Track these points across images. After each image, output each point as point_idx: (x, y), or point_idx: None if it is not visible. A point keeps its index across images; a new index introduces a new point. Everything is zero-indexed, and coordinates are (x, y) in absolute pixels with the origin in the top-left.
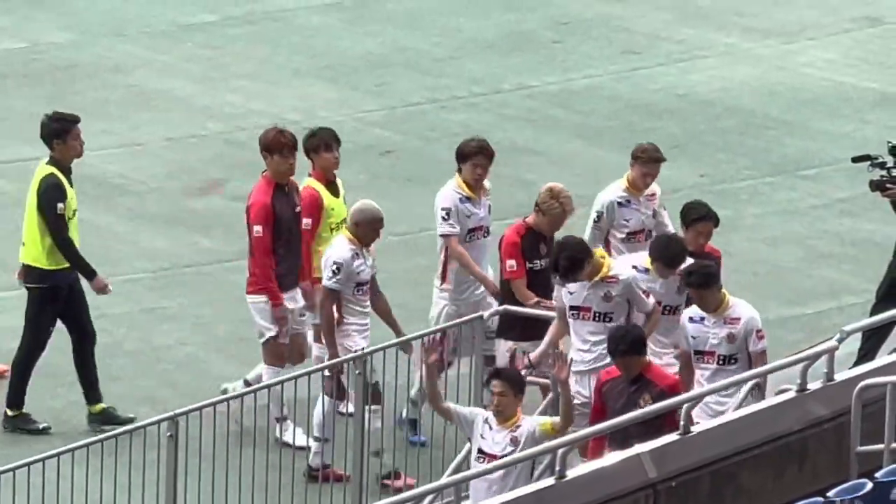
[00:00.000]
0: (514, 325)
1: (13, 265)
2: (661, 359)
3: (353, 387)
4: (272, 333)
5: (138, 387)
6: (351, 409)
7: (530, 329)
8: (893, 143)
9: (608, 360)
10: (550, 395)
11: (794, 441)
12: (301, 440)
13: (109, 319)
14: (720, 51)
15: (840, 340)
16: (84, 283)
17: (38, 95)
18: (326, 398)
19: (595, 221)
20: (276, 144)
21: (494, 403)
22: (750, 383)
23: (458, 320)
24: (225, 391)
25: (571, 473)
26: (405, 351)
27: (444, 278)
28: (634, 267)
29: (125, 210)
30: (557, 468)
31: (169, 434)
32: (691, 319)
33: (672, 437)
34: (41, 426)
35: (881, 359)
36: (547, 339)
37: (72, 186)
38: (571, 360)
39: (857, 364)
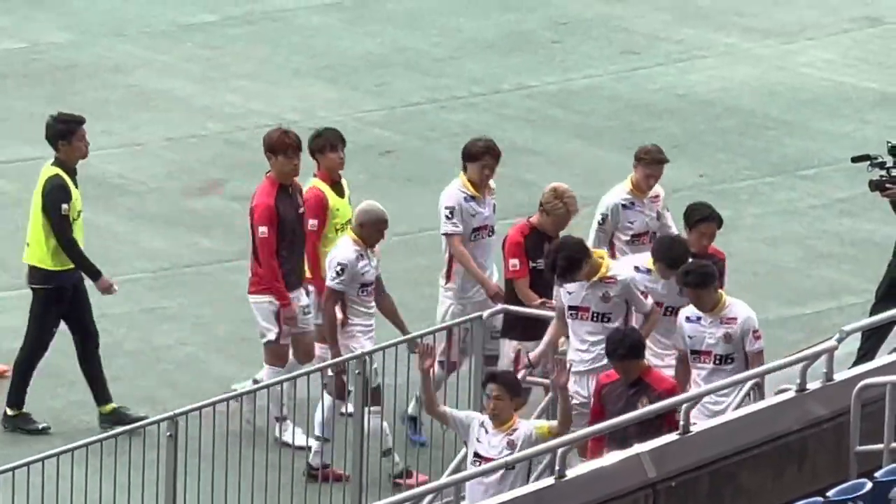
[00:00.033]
0: (516, 325)
1: (13, 265)
2: (663, 360)
3: (352, 386)
4: (273, 335)
5: (138, 387)
6: (350, 409)
7: (533, 329)
8: (893, 143)
9: (606, 360)
10: (550, 394)
11: (793, 441)
12: (300, 440)
13: (109, 319)
14: (720, 51)
15: (839, 340)
16: (88, 283)
17: (38, 95)
18: (329, 398)
19: (599, 224)
20: (281, 145)
21: (490, 407)
22: (750, 383)
23: (457, 320)
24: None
25: (571, 473)
26: (414, 351)
27: (449, 277)
28: (636, 267)
29: (125, 210)
30: (557, 468)
31: (169, 434)
32: (688, 319)
33: (671, 436)
34: (41, 426)
35: (880, 359)
36: (546, 338)
37: (77, 187)
38: (571, 362)
39: (856, 364)
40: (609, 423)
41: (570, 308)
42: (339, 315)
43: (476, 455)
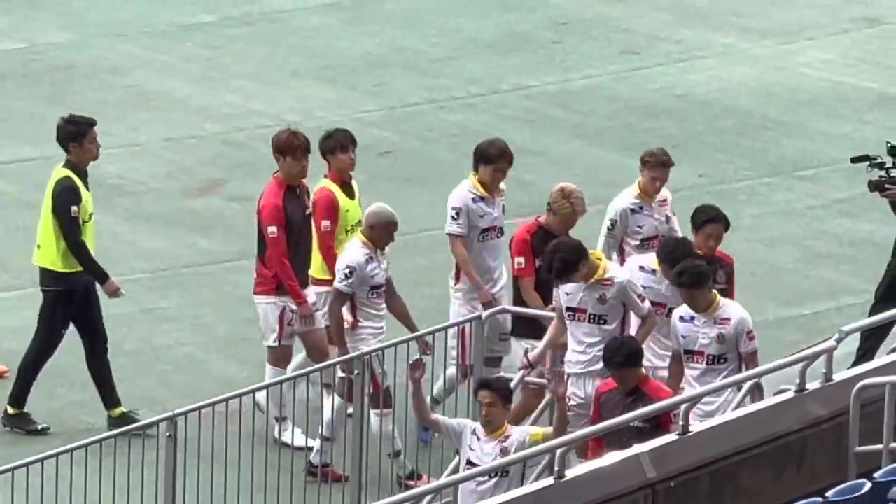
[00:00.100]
0: (525, 323)
1: (13, 265)
2: (665, 360)
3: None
4: (273, 339)
5: (137, 387)
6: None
7: (542, 327)
8: (892, 144)
9: (602, 363)
10: (547, 398)
11: (792, 441)
12: (300, 440)
13: (109, 320)
14: (718, 51)
15: (839, 341)
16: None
17: (37, 96)
18: (338, 399)
19: (609, 229)
20: (289, 146)
21: (483, 414)
22: (749, 383)
23: (457, 320)
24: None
25: (570, 473)
26: (425, 354)
27: (457, 278)
28: (641, 267)
29: (124, 210)
30: (556, 468)
31: (168, 434)
32: (682, 319)
33: (671, 437)
34: (40, 426)
35: (880, 359)
36: (546, 338)
37: (88, 189)
38: (568, 363)
39: (855, 364)
40: (607, 423)
41: (568, 309)
42: (349, 317)
43: (469, 463)
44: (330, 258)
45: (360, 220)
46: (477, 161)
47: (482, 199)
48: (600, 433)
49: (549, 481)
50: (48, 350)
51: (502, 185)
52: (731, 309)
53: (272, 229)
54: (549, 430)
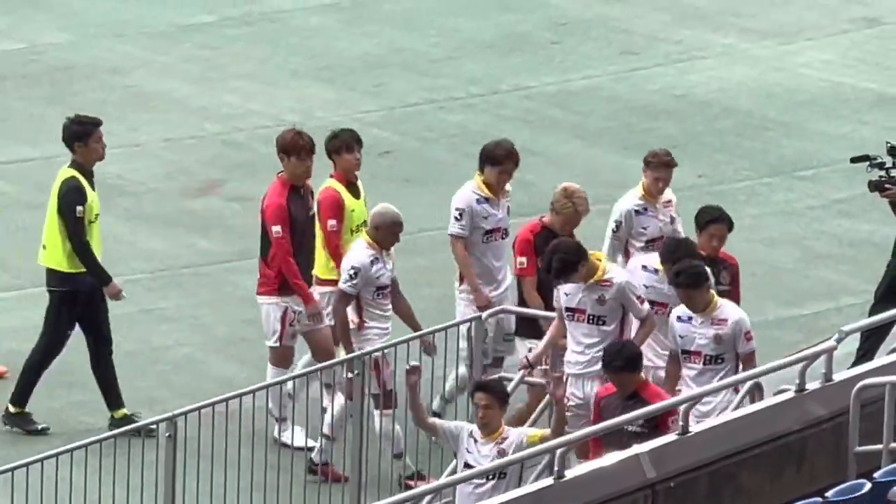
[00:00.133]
0: (524, 324)
1: (13, 265)
2: (665, 360)
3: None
4: (275, 340)
5: (137, 387)
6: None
7: (542, 328)
8: (892, 144)
9: (600, 364)
10: (546, 400)
11: (792, 441)
12: (300, 440)
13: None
14: (718, 51)
15: (839, 341)
16: None
17: (37, 96)
18: (342, 399)
19: (614, 231)
20: (294, 146)
21: (480, 416)
22: (749, 383)
23: (457, 320)
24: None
25: (570, 474)
26: (428, 353)
27: (462, 279)
28: (644, 266)
29: (123, 211)
30: (556, 468)
31: (167, 434)
32: (679, 319)
33: (671, 437)
34: (40, 427)
35: (880, 359)
36: (546, 338)
37: (94, 190)
38: (567, 363)
39: (855, 364)
40: (606, 423)
41: (567, 309)
42: (355, 318)
43: (467, 465)
44: (338, 257)
45: (365, 221)
46: (483, 162)
47: (486, 200)
48: (599, 433)
49: (548, 481)
50: (53, 351)
51: (508, 187)
52: (729, 310)
53: (276, 229)
54: (547, 431)
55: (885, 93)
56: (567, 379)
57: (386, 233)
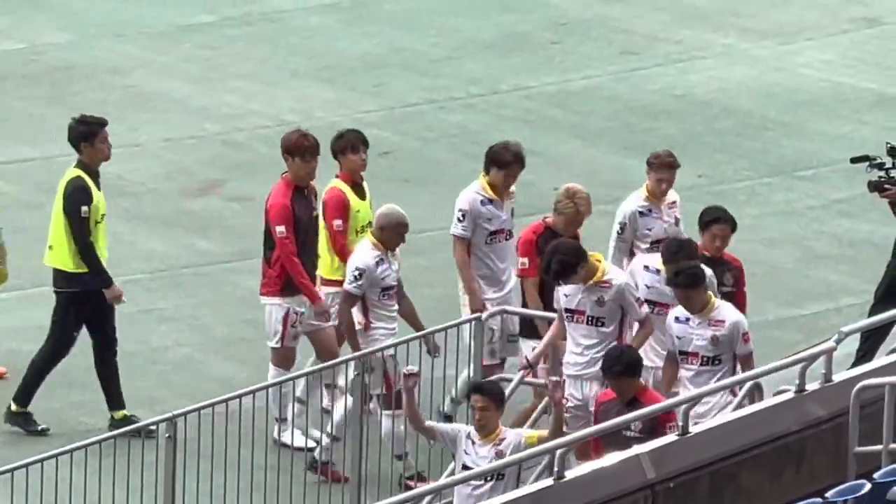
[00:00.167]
0: (527, 325)
1: (13, 265)
2: None
3: (373, 389)
4: (276, 341)
5: (136, 388)
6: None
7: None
8: (892, 144)
9: (598, 366)
10: (545, 401)
11: (792, 442)
12: (300, 441)
13: None
14: (718, 51)
15: (838, 341)
16: None
17: (37, 96)
18: (351, 400)
19: (619, 233)
20: (298, 147)
21: (476, 418)
22: (749, 384)
23: (455, 321)
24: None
25: (570, 474)
26: (431, 353)
27: None
28: (646, 266)
29: (122, 211)
30: (556, 469)
31: (167, 435)
32: (677, 319)
33: (671, 437)
34: (40, 427)
35: (879, 360)
36: (546, 339)
37: (100, 190)
38: (566, 364)
39: (855, 365)
40: (605, 424)
41: (567, 311)
42: (361, 319)
43: (464, 467)
44: (345, 256)
45: (370, 222)
46: (489, 164)
47: (490, 201)
48: (597, 434)
49: (548, 482)
50: (60, 352)
51: (513, 189)
52: (726, 311)
53: (280, 229)
54: (544, 432)
55: (885, 93)
56: (565, 380)
57: (391, 234)
